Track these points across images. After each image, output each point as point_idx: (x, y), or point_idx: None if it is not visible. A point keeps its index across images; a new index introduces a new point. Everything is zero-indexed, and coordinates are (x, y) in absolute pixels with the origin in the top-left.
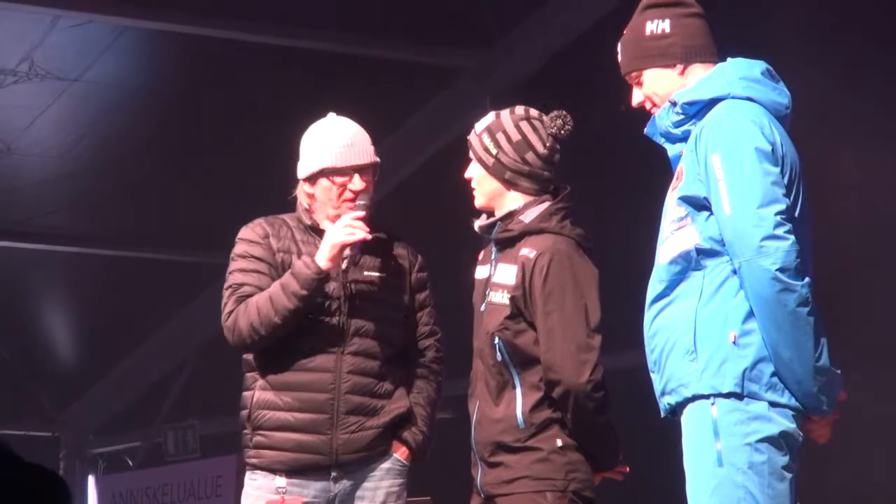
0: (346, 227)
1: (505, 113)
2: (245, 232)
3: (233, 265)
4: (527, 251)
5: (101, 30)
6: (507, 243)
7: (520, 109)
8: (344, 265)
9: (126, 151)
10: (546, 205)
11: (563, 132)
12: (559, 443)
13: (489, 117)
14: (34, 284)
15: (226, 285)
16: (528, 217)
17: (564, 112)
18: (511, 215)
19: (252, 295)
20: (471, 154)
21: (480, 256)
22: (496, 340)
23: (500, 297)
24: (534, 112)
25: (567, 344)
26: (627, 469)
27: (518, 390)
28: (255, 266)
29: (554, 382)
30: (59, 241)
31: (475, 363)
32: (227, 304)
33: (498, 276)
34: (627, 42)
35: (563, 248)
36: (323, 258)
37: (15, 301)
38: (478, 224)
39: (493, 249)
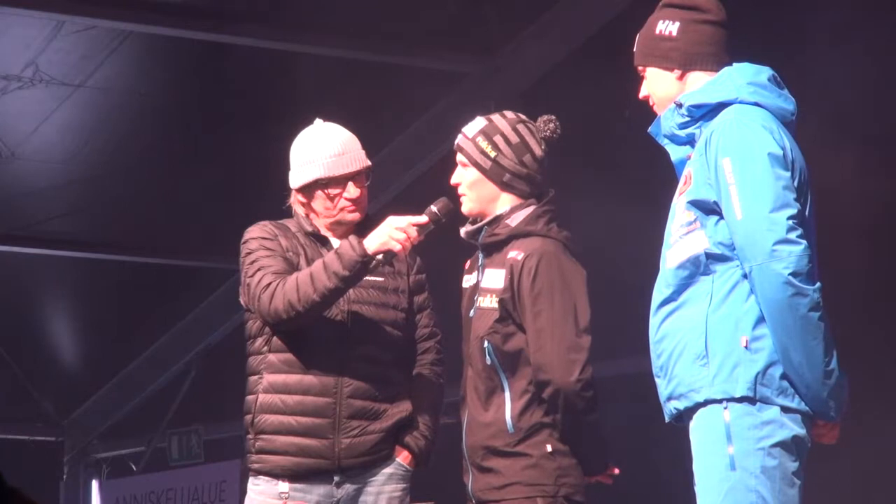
0: (398, 231)
1: (497, 117)
2: (254, 230)
3: (254, 254)
4: (514, 253)
5: (104, 35)
6: (493, 248)
7: (511, 114)
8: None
9: (130, 156)
10: (532, 208)
11: (554, 136)
12: (549, 448)
13: (479, 121)
14: (38, 290)
15: (254, 268)
16: (515, 221)
17: (554, 116)
18: (497, 220)
19: (285, 274)
20: (461, 159)
21: (467, 266)
22: (485, 344)
23: (489, 302)
24: (523, 116)
25: (556, 344)
26: (617, 471)
27: (507, 394)
28: (278, 254)
29: (544, 382)
30: (64, 246)
31: (465, 369)
32: (261, 280)
33: (486, 282)
34: (640, 35)
35: (550, 250)
36: (372, 243)
37: (18, 306)
38: (463, 230)
39: (480, 256)
